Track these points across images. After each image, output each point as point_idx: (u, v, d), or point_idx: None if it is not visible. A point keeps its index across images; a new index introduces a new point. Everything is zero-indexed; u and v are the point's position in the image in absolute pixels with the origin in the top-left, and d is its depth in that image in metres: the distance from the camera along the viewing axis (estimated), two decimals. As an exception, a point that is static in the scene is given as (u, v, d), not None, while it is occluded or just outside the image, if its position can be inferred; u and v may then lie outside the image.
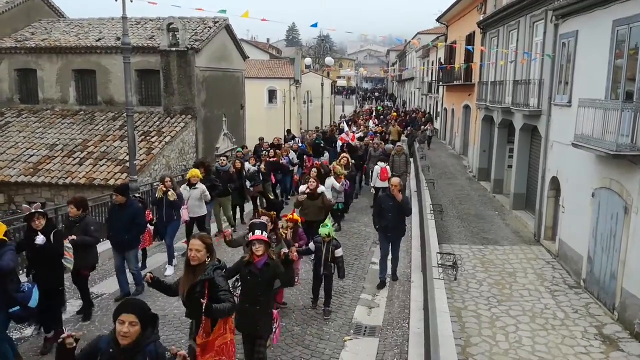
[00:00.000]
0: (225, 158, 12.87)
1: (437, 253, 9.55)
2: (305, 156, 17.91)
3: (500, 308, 9.37)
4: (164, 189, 9.31)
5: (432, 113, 37.61)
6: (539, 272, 11.27)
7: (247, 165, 13.70)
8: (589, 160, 10.44)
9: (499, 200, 17.55)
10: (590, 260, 10.27)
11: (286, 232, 7.79)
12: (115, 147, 17.95)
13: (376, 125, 30.32)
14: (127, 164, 14.71)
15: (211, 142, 21.48)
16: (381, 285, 9.23)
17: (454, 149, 28.73)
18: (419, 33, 47.25)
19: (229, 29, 22.75)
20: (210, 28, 21.20)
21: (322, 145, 19.33)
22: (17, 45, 20.91)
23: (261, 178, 13.72)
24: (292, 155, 16.32)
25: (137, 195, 10.20)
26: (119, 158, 17.24)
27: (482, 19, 20.45)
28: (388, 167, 14.61)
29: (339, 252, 7.74)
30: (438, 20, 30.63)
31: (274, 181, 14.77)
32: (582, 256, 10.66)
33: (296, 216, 8.35)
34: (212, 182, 11.07)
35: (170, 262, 9.74)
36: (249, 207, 14.04)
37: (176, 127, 19.19)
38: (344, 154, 14.78)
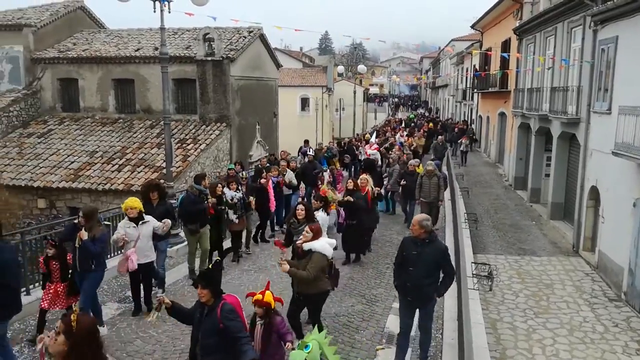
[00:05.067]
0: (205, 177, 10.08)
1: (472, 263, 9.44)
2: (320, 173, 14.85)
3: (536, 320, 9.17)
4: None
5: (467, 120, 36.23)
6: (577, 284, 10.98)
7: (227, 191, 10.58)
8: (630, 169, 10.15)
9: (536, 210, 17.19)
10: (631, 272, 9.95)
11: None
12: (153, 154, 18.37)
13: (404, 137, 26.80)
14: (164, 171, 15.03)
15: (245, 149, 21.77)
16: None
17: (488, 156, 28.28)
18: (453, 40, 46.98)
19: (262, 38, 23.07)
20: (245, 37, 21.54)
21: (333, 158, 18.17)
22: (60, 55, 21.69)
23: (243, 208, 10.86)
24: (290, 175, 13.40)
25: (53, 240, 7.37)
26: (155, 165, 17.64)
27: (518, 25, 20.17)
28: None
29: None
30: (473, 26, 30.35)
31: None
32: (622, 268, 10.34)
33: (269, 296, 5.34)
34: (167, 209, 8.90)
35: None
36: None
37: (211, 134, 19.52)
38: (364, 176, 11.73)
